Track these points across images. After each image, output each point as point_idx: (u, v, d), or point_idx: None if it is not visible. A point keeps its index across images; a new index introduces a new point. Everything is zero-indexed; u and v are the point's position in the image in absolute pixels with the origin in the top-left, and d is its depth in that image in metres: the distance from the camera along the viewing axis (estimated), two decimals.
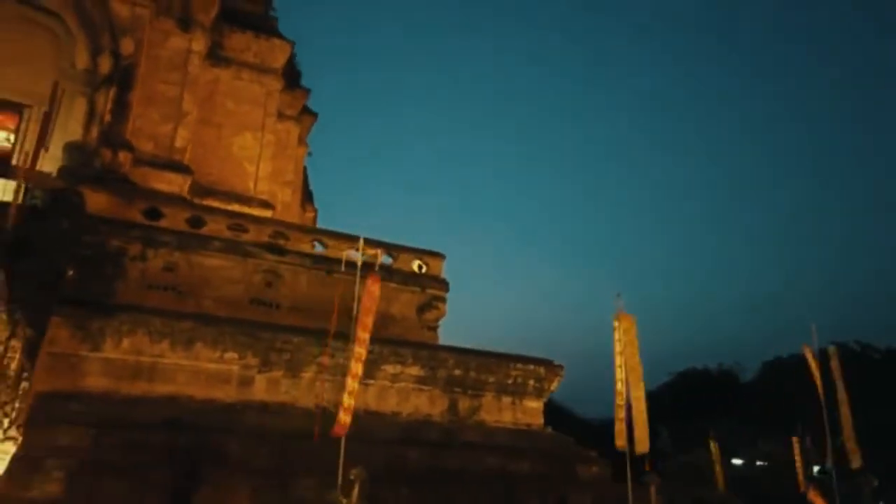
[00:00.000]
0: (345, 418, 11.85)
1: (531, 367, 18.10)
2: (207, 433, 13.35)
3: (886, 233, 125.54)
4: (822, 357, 18.45)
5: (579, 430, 28.61)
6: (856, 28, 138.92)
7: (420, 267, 20.71)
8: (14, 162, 18.14)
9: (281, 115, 26.16)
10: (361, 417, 16.15)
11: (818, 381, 17.95)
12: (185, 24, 22.35)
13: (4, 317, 8.50)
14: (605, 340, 14.84)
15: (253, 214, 21.11)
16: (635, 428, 12.91)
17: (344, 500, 10.56)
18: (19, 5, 18.88)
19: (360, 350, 12.95)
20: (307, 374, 15.65)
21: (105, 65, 19.27)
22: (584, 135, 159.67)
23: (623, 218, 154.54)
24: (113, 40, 19.55)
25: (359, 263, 15.42)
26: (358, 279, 15.21)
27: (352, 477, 11.23)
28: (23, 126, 18.59)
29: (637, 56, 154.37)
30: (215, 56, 23.83)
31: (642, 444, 13.04)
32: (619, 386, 14.15)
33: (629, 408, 12.95)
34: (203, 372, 14.58)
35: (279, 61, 25.31)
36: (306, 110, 29.38)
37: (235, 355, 14.87)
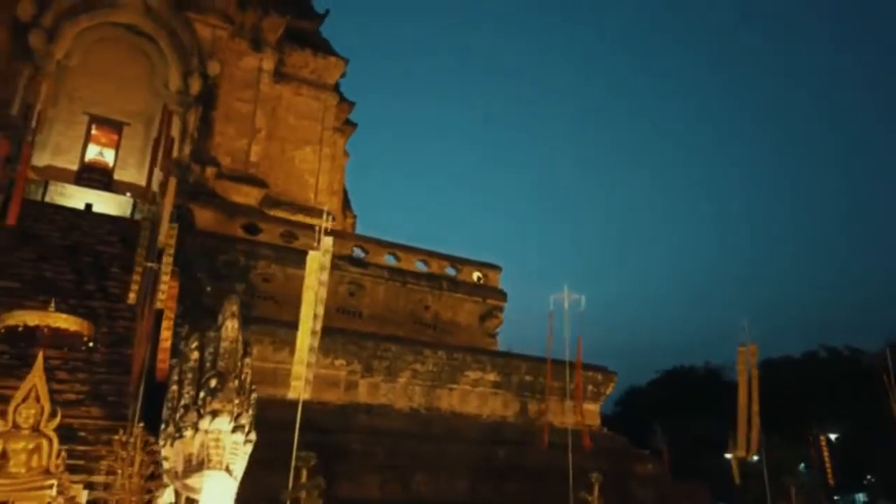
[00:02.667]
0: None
1: (590, 373, 19.94)
2: (329, 432, 14.95)
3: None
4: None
5: None
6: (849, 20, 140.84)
7: (479, 278, 22.47)
8: (116, 177, 19.44)
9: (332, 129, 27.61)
10: (449, 418, 17.95)
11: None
12: (257, 44, 23.72)
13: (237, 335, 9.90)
14: None
15: (322, 225, 22.65)
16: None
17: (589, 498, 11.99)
18: (119, 28, 20.06)
19: None
20: (402, 379, 17.29)
21: (195, 85, 20.56)
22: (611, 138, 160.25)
23: (628, 217, 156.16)
24: (201, 62, 20.85)
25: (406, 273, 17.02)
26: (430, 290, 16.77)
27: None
28: (123, 142, 19.81)
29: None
30: (278, 73, 25.17)
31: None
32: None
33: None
34: (317, 377, 16.09)
35: (334, 77, 26.78)
36: (348, 121, 30.84)
37: (343, 362, 16.46)
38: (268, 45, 23.95)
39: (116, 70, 20.12)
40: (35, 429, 7.46)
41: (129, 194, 19.30)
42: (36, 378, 7.56)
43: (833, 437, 40.32)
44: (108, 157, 19.76)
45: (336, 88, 28.05)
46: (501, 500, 15.86)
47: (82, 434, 10.17)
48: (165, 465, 9.44)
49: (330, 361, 16.26)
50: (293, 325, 16.00)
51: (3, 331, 7.62)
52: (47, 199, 17.38)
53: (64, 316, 7.93)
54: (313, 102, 26.02)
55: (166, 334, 11.28)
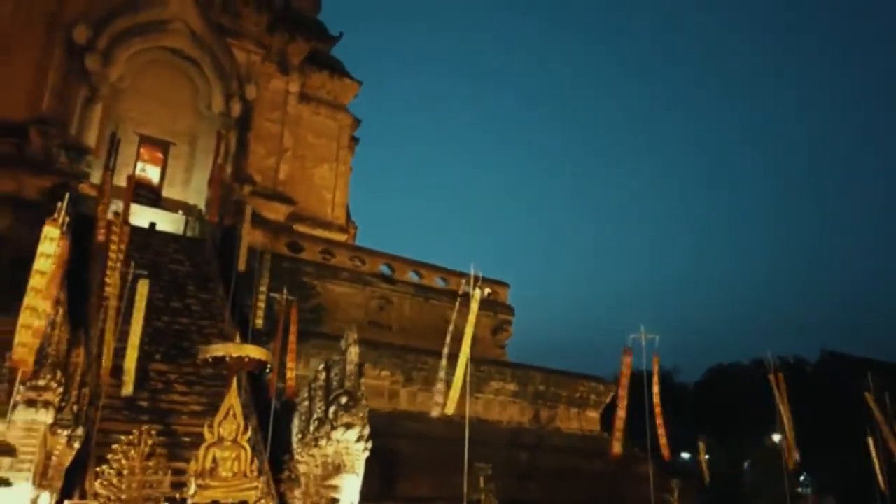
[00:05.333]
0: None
1: (593, 383, 22.28)
2: (380, 437, 16.74)
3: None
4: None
5: None
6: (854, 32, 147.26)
7: (489, 294, 24.53)
8: (164, 194, 20.69)
9: None
10: (475, 425, 19.90)
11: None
12: (284, 67, 25.18)
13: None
14: None
15: (334, 239, 24.41)
16: None
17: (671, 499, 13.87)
18: (166, 52, 21.27)
19: None
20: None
21: (236, 108, 21.96)
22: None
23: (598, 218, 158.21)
24: (240, 85, 22.23)
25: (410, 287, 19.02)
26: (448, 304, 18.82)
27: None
28: (169, 161, 21.06)
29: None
30: (299, 94, 26.63)
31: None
32: None
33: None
34: (366, 387, 17.89)
35: (349, 98, 28.40)
36: (353, 137, 32.42)
37: (388, 373, 18.29)
38: (293, 68, 25.41)
39: (163, 92, 21.31)
40: (234, 440, 9.12)
41: (180, 212, 20.57)
42: (232, 399, 9.21)
43: (777, 437, 44.15)
44: (155, 174, 20.95)
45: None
46: (525, 497, 18.00)
47: None
48: (301, 468, 11.15)
49: (377, 373, 18.05)
50: (332, 337, 17.77)
51: (210, 360, 9.22)
52: (110, 217, 18.49)
53: (252, 347, 9.56)
54: (330, 122, 27.55)
55: (292, 356, 12.91)
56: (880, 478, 18.79)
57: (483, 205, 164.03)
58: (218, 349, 9.36)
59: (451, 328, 23.07)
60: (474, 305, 10.55)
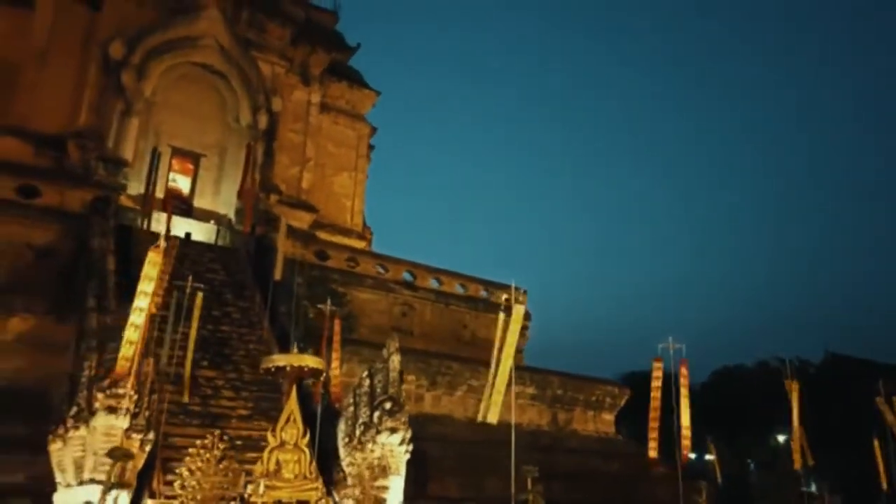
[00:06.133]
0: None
1: (609, 387, 23.04)
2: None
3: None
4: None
5: None
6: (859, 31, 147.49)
7: (506, 299, 25.22)
8: (196, 204, 21.41)
9: None
10: (497, 427, 20.61)
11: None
12: (305, 78, 25.90)
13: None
14: None
15: (354, 245, 25.16)
16: None
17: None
18: (196, 67, 22.00)
19: None
20: (459, 392, 19.95)
21: (263, 121, 22.69)
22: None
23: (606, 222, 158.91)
24: (266, 98, 22.96)
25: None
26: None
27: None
28: (200, 172, 21.79)
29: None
30: (320, 104, 27.35)
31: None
32: None
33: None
34: None
35: (367, 108, 29.11)
36: (369, 145, 33.14)
37: (413, 377, 18.98)
38: (314, 79, 26.13)
39: (193, 105, 22.02)
40: (295, 444, 9.86)
41: (212, 221, 21.30)
42: (292, 406, 9.96)
43: (781, 438, 44.90)
44: (185, 185, 21.67)
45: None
46: (550, 496, 18.71)
47: (263, 444, 12.44)
48: (349, 469, 11.87)
49: (404, 377, 18.75)
50: (362, 343, 18.51)
51: (273, 370, 9.97)
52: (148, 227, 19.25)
53: (310, 357, 10.30)
54: (349, 131, 28.26)
55: (336, 364, 13.63)
56: (884, 478, 19.54)
57: (483, 205, 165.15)
58: (280, 359, 10.12)
59: (468, 333, 23.88)
60: (516, 316, 11.19)
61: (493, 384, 11.20)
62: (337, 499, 11.86)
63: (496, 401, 11.18)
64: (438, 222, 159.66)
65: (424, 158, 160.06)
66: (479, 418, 11.75)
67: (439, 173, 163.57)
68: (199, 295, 12.09)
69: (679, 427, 14.17)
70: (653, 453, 14.78)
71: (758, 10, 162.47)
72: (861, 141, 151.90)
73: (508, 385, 20.12)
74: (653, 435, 14.14)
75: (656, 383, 13.17)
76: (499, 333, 11.13)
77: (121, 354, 7.65)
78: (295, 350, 10.76)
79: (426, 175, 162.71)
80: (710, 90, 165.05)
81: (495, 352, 11.27)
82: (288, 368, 9.92)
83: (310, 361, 10.14)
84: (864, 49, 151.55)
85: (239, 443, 12.37)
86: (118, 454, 8.87)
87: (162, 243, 8.56)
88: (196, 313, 12.06)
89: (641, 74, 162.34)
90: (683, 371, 12.90)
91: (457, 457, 17.83)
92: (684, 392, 12.85)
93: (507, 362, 11.12)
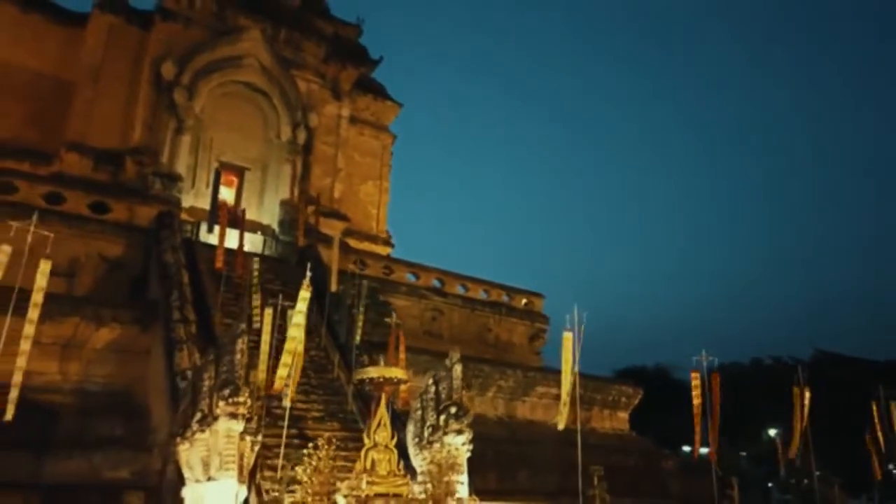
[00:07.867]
0: None
1: (624, 387, 24.69)
2: None
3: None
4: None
5: None
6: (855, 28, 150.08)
7: (525, 304, 26.84)
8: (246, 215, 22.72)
9: None
10: (525, 425, 22.23)
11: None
12: (336, 93, 27.26)
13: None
14: None
15: (380, 252, 26.61)
16: None
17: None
18: (240, 86, 23.31)
19: None
20: (489, 393, 21.51)
21: (301, 136, 24.06)
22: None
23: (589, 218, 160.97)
24: (304, 115, 24.31)
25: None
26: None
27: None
28: (244, 185, 23.13)
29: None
30: (349, 117, 28.71)
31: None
32: None
33: None
34: None
35: (390, 119, 30.53)
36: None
37: None
38: (344, 93, 27.52)
39: (238, 122, 23.32)
40: (386, 445, 11.36)
41: (259, 232, 22.64)
42: (382, 411, 11.45)
43: (773, 433, 46.89)
44: (230, 198, 22.97)
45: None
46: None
47: (338, 444, 13.92)
48: (420, 466, 13.36)
49: None
50: (412, 349, 19.92)
51: (366, 381, 11.45)
52: (199, 238, 20.54)
53: (397, 369, 11.82)
54: (374, 142, 29.69)
55: (403, 371, 15.09)
56: (877, 469, 21.35)
57: (483, 205, 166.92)
58: (371, 371, 11.64)
59: (491, 336, 25.39)
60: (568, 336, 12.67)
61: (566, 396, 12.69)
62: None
63: (563, 409, 12.65)
64: (437, 222, 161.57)
65: (426, 158, 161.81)
66: (560, 427, 13.33)
67: (439, 173, 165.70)
68: (291, 311, 13.46)
69: (705, 429, 15.82)
70: (699, 452, 16.41)
71: (758, 9, 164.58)
72: (854, 141, 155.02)
73: (538, 386, 21.77)
74: (697, 439, 15.78)
75: (696, 391, 14.75)
76: (564, 355, 12.57)
77: (278, 374, 9.09)
78: (382, 363, 12.22)
79: (426, 175, 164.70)
80: (711, 89, 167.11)
81: (564, 365, 12.76)
82: (380, 379, 11.40)
83: (397, 373, 11.65)
84: (864, 48, 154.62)
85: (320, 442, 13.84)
86: None
87: (306, 282, 9.98)
88: (295, 329, 13.33)
89: (642, 73, 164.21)
90: (715, 381, 14.49)
91: (493, 453, 19.37)
92: (716, 400, 14.46)
93: (567, 377, 12.62)
